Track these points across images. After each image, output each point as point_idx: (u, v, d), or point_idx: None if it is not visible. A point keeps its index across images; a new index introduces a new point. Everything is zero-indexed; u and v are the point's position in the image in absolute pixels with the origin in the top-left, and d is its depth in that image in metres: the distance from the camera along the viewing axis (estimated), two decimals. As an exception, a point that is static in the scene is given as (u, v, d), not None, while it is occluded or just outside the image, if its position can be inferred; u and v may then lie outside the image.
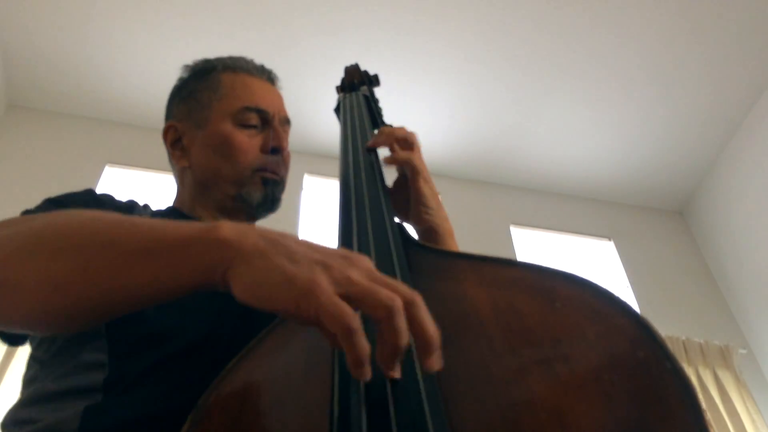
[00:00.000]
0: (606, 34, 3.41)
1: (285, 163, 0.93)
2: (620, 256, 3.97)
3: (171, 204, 0.94)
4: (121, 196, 0.85)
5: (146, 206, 0.88)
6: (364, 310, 0.41)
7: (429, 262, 0.64)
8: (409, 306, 0.41)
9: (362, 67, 1.22)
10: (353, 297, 0.41)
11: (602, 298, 0.48)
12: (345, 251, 0.46)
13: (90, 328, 0.65)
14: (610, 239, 4.09)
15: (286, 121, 0.95)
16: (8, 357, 2.45)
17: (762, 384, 3.47)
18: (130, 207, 0.83)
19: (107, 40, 3.30)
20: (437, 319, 0.42)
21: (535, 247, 3.89)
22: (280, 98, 0.96)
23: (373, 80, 1.21)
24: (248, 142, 0.87)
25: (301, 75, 3.43)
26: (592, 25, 3.37)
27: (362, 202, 0.73)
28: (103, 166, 3.43)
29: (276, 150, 0.89)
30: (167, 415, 0.55)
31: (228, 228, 0.46)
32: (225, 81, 0.91)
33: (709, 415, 3.05)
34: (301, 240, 0.47)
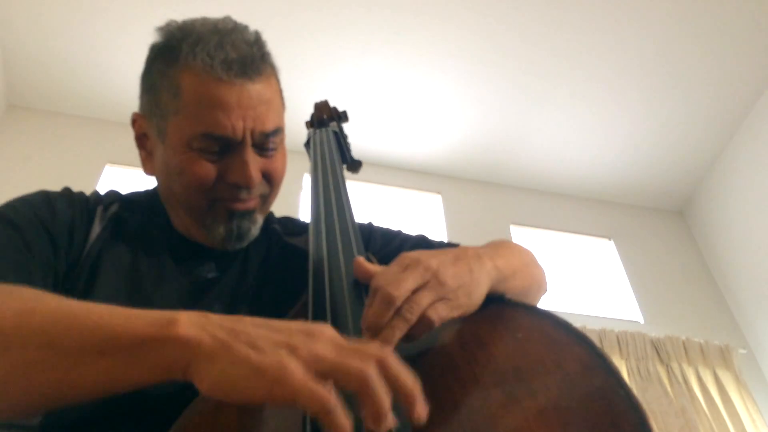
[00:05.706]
0: (607, 34, 3.41)
1: (270, 182, 0.78)
2: (620, 256, 3.97)
3: (156, 186, 0.86)
4: (80, 194, 0.81)
5: (117, 196, 0.81)
6: (338, 384, 0.41)
7: None
8: (381, 366, 0.41)
9: (332, 103, 1.24)
10: (324, 373, 0.41)
11: (561, 329, 0.51)
12: (304, 325, 0.45)
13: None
14: (610, 239, 4.08)
15: (271, 134, 0.75)
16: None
17: (762, 384, 3.46)
18: (93, 205, 0.79)
19: (107, 39, 3.30)
20: (406, 356, 0.43)
21: (535, 247, 3.87)
22: (259, 104, 0.73)
23: (342, 116, 1.23)
24: (206, 170, 0.72)
25: (300, 72, 3.42)
26: (593, 26, 3.37)
27: (334, 237, 0.74)
28: (103, 166, 3.43)
29: (238, 187, 0.74)
30: None
31: (185, 322, 0.44)
32: (184, 86, 0.72)
33: (709, 415, 3.05)
34: (258, 321, 0.45)
